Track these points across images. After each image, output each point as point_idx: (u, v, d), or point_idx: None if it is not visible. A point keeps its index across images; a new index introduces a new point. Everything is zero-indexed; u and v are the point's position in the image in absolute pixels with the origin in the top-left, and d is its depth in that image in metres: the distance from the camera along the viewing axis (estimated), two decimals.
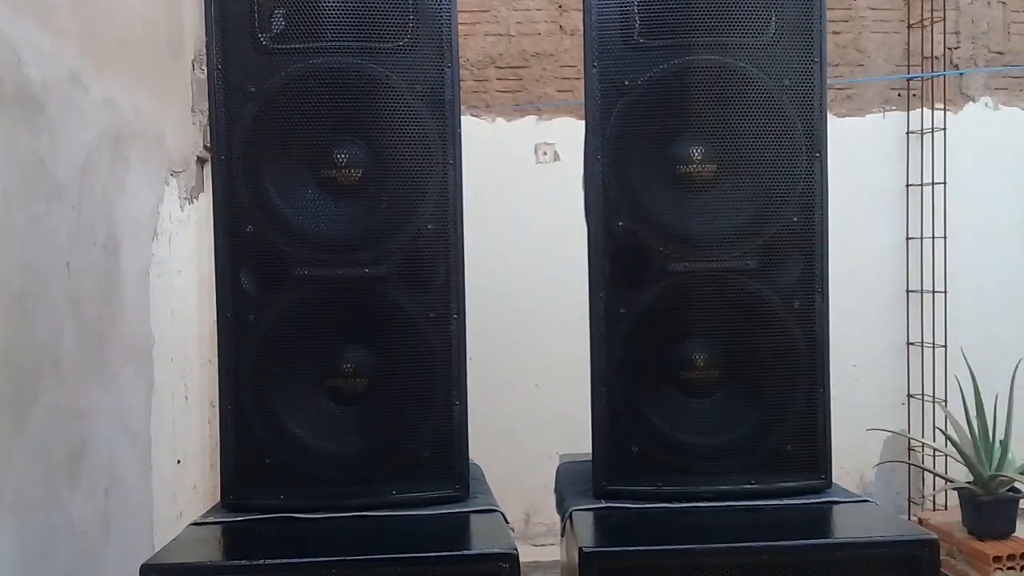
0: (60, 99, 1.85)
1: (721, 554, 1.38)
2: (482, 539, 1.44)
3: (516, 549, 1.35)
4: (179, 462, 2.71)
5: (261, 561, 1.33)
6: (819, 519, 1.52)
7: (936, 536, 1.39)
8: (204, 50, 2.65)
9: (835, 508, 1.56)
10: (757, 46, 1.60)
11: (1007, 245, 3.31)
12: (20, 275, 1.68)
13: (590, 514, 1.55)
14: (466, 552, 1.39)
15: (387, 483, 1.57)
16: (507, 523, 1.52)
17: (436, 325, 1.58)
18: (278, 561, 1.33)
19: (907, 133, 3.32)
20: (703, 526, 1.49)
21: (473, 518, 1.53)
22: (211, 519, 1.53)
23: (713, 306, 1.63)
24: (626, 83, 1.60)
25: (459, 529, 1.49)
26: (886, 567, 1.38)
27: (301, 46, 1.54)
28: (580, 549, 1.37)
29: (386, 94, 1.54)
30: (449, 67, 1.56)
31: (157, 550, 1.45)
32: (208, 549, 1.43)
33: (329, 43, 1.53)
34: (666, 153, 1.62)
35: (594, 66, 1.61)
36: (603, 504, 1.58)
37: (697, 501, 1.58)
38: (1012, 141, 3.32)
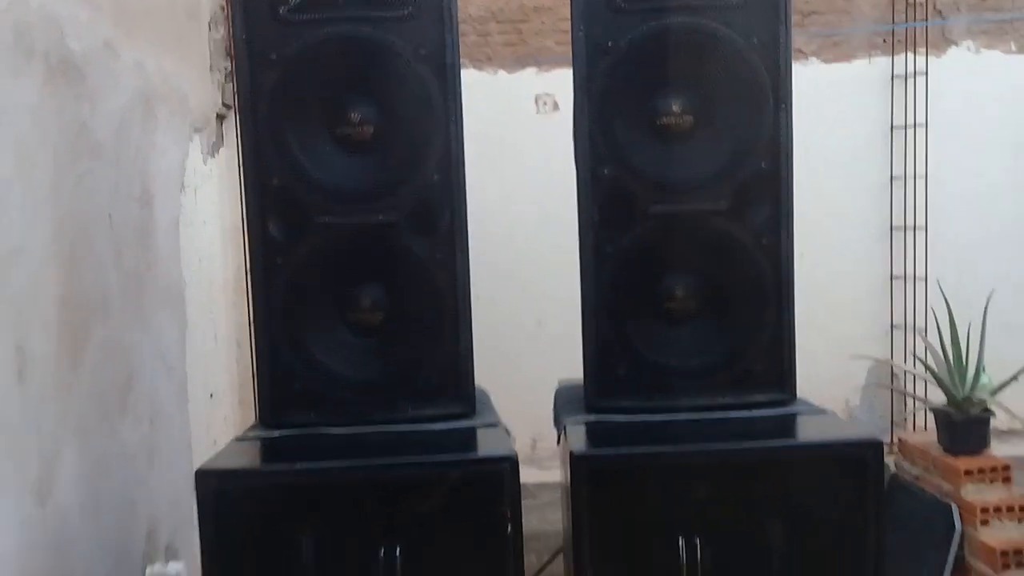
0: (97, 66, 2.03)
1: (693, 455, 1.60)
2: (486, 446, 1.66)
3: (516, 453, 1.57)
4: (212, 396, 2.94)
5: (298, 465, 1.56)
6: (781, 426, 1.73)
7: (879, 439, 1.60)
8: (218, 12, 2.83)
9: (798, 418, 1.76)
10: (729, 8, 1.76)
11: (986, 183, 3.47)
12: (71, 227, 1.88)
13: (582, 426, 1.76)
14: (473, 456, 1.62)
15: (403, 402, 1.78)
16: (508, 434, 1.73)
17: (442, 266, 1.77)
18: (312, 465, 1.56)
19: (892, 77, 3.46)
20: (679, 433, 1.70)
21: (479, 431, 1.74)
22: (252, 435, 1.75)
23: (691, 244, 1.81)
24: (609, 44, 1.77)
25: (466, 439, 1.71)
26: (836, 465, 1.59)
27: (316, 16, 1.71)
28: (571, 453, 1.59)
29: (393, 59, 1.72)
30: (450, 33, 1.73)
31: None
32: (252, 457, 1.65)
33: (341, 13, 1.70)
34: (647, 107, 1.79)
35: (580, 29, 1.78)
36: (593, 418, 1.79)
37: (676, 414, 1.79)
38: (992, 83, 3.46)
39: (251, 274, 1.79)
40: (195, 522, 1.71)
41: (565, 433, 1.74)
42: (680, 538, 1.59)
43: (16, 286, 1.61)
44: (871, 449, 1.57)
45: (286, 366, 1.77)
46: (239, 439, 1.74)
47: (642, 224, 1.80)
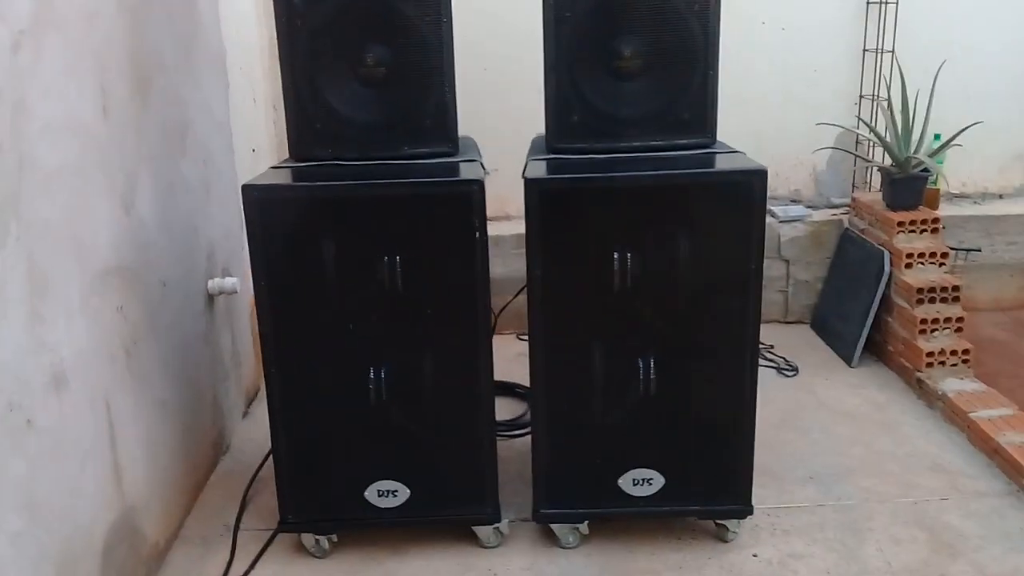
0: None
1: (621, 180, 2.06)
2: (463, 172, 2.13)
3: (483, 178, 2.04)
4: (254, 151, 3.44)
5: (320, 183, 2.06)
6: (695, 161, 2.17)
7: (765, 168, 2.04)
8: None
9: (713, 156, 2.21)
10: None
11: None
12: None
13: (540, 162, 2.22)
14: (450, 178, 2.10)
15: (401, 142, 2.24)
16: (484, 169, 2.20)
17: (431, 27, 2.17)
18: (331, 183, 2.06)
19: None
20: (613, 166, 2.15)
21: (460, 164, 2.21)
22: (283, 164, 2.25)
23: (637, 9, 2.18)
24: None
25: (449, 168, 2.17)
26: (730, 187, 2.05)
27: None
28: (525, 179, 2.06)
29: None
30: None
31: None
32: (284, 177, 2.16)
33: None
34: None
35: None
36: (551, 156, 2.25)
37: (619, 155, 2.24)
38: None
39: (277, 37, 2.21)
40: (244, 249, 2.20)
41: (526, 168, 2.20)
42: (614, 249, 2.09)
43: (95, 40, 2.06)
44: (756, 176, 2.03)
45: (308, 111, 2.22)
46: (274, 167, 2.24)
47: None
